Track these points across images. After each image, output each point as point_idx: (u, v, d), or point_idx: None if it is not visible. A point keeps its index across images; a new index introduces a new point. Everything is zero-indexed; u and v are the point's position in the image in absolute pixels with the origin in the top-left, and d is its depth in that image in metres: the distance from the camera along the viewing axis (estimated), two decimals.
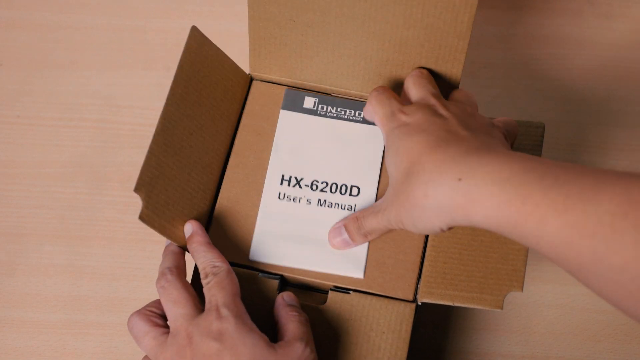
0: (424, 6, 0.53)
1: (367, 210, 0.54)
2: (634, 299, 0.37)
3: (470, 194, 0.43)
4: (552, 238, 0.39)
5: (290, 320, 0.51)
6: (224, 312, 0.48)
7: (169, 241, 0.54)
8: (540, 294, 0.65)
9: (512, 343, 0.64)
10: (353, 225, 0.54)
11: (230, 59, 0.59)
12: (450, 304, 0.51)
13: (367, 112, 0.55)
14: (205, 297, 0.50)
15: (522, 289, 0.49)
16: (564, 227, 0.38)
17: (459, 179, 0.44)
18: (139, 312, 0.52)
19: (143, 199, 0.50)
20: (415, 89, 0.54)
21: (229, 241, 0.55)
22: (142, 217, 0.50)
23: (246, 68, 0.60)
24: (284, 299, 0.53)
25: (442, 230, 0.47)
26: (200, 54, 0.56)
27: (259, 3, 0.56)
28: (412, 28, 0.54)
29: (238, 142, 0.59)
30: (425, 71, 0.55)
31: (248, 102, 0.60)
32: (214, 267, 0.51)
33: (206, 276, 0.51)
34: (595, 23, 0.76)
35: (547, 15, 0.76)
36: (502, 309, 0.50)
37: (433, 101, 0.52)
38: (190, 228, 0.54)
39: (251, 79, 0.61)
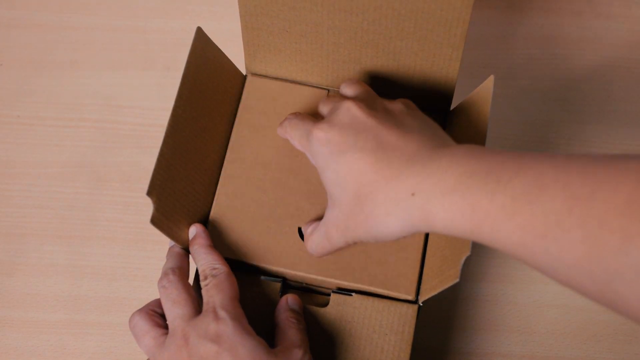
0: (416, 20, 0.53)
1: (316, 236, 0.51)
2: (592, 293, 0.36)
3: (425, 208, 0.43)
4: (507, 241, 0.39)
5: (290, 326, 0.51)
6: (222, 314, 0.48)
7: (173, 242, 0.54)
8: (540, 294, 0.65)
9: (512, 343, 0.64)
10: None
11: (230, 61, 0.59)
12: (434, 293, 0.51)
13: (285, 135, 0.55)
14: (203, 299, 0.50)
15: (469, 250, 0.47)
16: (516, 230, 0.38)
17: (412, 194, 0.43)
18: (141, 310, 0.51)
19: (154, 202, 0.50)
20: (323, 105, 0.53)
21: (227, 238, 0.55)
22: (154, 221, 0.50)
23: (243, 67, 0.60)
24: (288, 302, 0.53)
25: (405, 236, 0.47)
26: (204, 55, 0.55)
27: (251, 14, 0.56)
28: (406, 39, 0.54)
29: (235, 138, 0.58)
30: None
31: (244, 97, 0.60)
32: (214, 269, 0.51)
33: (205, 278, 0.51)
34: (595, 23, 0.76)
35: (547, 15, 0.76)
36: (458, 279, 0.47)
37: (343, 110, 0.49)
38: (194, 231, 0.54)
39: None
